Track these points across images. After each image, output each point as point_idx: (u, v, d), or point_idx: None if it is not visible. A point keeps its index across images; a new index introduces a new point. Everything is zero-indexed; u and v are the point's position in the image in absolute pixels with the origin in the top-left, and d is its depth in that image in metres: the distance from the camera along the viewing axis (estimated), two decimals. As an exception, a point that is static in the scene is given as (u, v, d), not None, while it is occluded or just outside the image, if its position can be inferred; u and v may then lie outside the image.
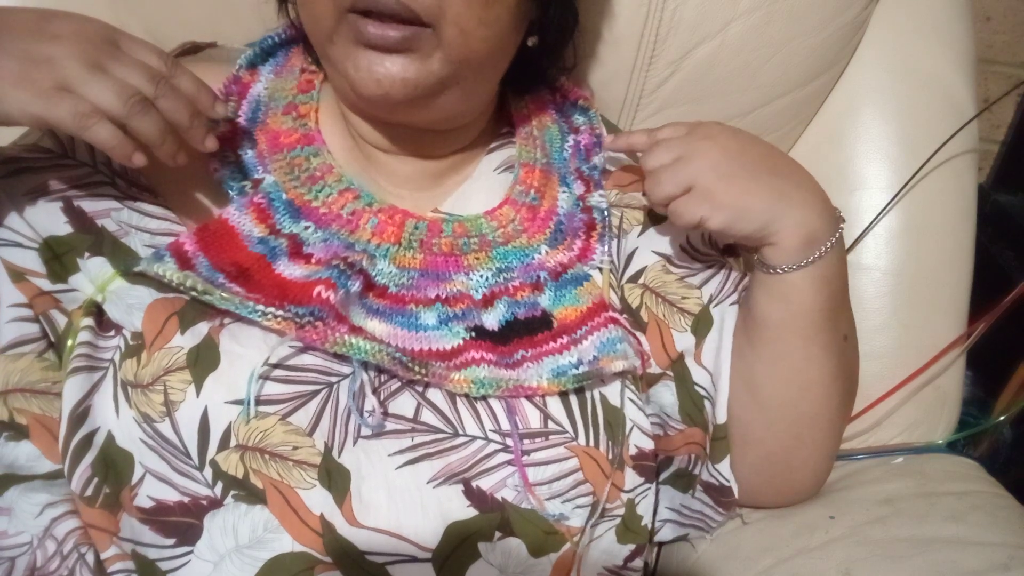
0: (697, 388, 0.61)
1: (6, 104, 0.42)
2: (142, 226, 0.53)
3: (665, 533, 0.61)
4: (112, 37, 0.47)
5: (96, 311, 0.51)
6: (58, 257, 0.51)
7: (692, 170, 0.54)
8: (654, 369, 0.60)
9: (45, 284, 0.51)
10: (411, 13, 0.46)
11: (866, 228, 0.74)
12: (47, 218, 0.51)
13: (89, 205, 0.52)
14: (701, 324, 0.61)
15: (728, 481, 0.62)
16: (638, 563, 0.56)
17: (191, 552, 0.48)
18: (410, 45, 0.47)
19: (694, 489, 0.62)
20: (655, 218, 0.63)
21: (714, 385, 0.61)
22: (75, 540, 0.50)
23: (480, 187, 0.61)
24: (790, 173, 0.56)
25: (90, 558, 0.50)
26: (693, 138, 0.56)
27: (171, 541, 0.48)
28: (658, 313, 0.61)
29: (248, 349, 0.49)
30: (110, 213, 0.52)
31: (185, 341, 0.49)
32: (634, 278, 0.61)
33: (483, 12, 0.49)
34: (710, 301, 0.62)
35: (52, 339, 0.51)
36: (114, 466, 0.48)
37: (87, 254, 0.51)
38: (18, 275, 0.50)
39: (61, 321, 0.51)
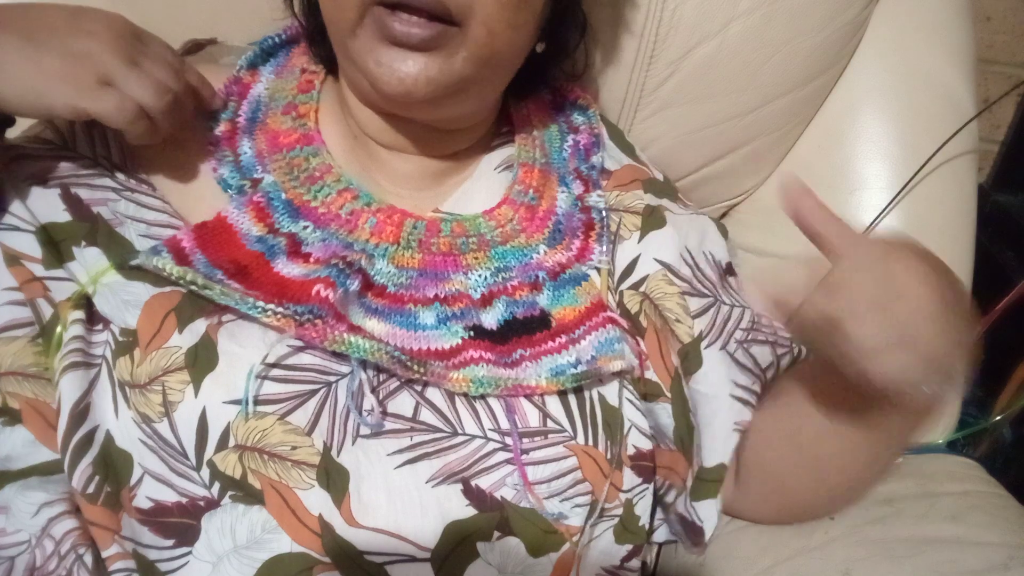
0: (692, 418, 0.59)
1: (50, 98, 0.45)
2: (139, 216, 0.53)
3: (660, 533, 0.61)
4: (135, 32, 0.49)
5: (86, 304, 0.50)
6: (55, 243, 0.51)
7: (906, 320, 0.44)
8: (653, 376, 0.60)
9: (38, 269, 0.50)
10: (442, 9, 0.46)
11: (866, 228, 0.74)
12: (45, 204, 0.51)
13: (86, 193, 0.52)
14: (691, 359, 0.60)
15: (701, 522, 0.60)
16: (635, 563, 0.56)
17: (190, 553, 0.47)
18: (435, 44, 0.47)
19: (667, 513, 0.61)
20: (652, 223, 0.62)
21: (697, 425, 0.60)
22: (72, 541, 0.50)
23: (481, 187, 0.61)
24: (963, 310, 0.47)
25: (88, 559, 0.50)
26: (897, 272, 0.45)
27: (170, 542, 0.48)
28: (656, 323, 0.61)
29: (247, 349, 0.49)
30: (107, 202, 0.52)
31: (183, 341, 0.48)
32: (635, 286, 0.61)
33: (513, 15, 0.49)
34: (700, 337, 0.61)
35: (38, 327, 0.51)
36: (113, 466, 0.48)
37: (83, 243, 0.51)
38: (13, 259, 0.50)
39: (47, 311, 0.51)
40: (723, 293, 0.64)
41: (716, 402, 0.60)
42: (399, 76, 0.48)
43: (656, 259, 0.61)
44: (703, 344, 0.61)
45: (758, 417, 0.61)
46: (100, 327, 0.50)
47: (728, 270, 0.66)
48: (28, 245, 0.50)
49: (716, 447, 0.60)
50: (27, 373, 0.50)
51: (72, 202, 0.51)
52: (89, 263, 0.50)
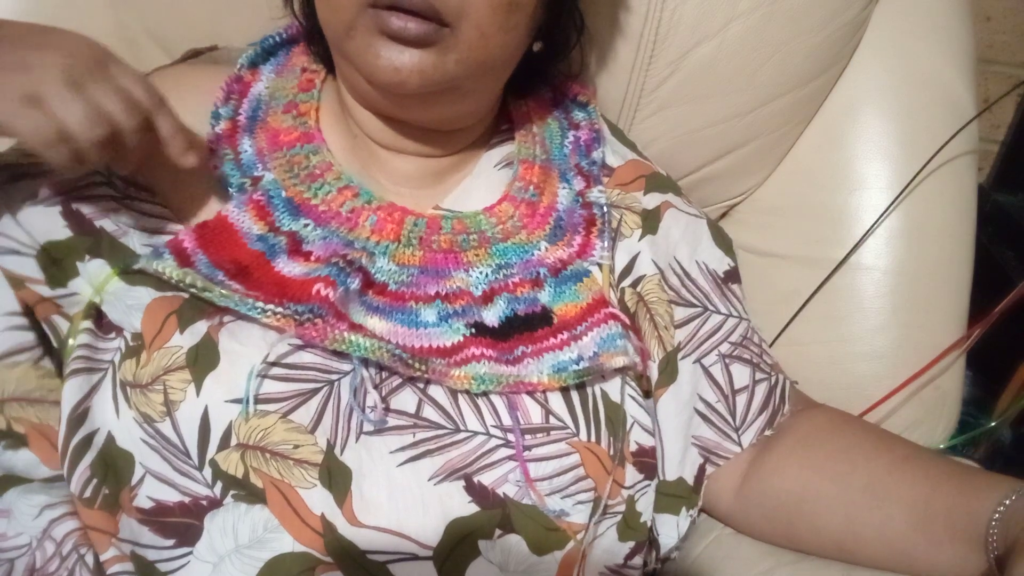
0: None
1: None
2: (140, 225, 0.53)
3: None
4: (104, 60, 0.46)
5: (96, 313, 0.51)
6: (56, 262, 0.51)
7: None
8: (654, 373, 0.60)
9: (45, 290, 0.51)
10: (433, 12, 0.47)
11: (867, 229, 0.74)
12: (46, 222, 0.51)
13: (87, 207, 0.52)
14: (668, 370, 0.61)
15: (658, 535, 0.60)
16: (637, 561, 0.56)
17: (190, 553, 0.47)
18: (430, 40, 0.48)
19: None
20: (650, 225, 0.63)
21: (660, 438, 0.59)
22: (74, 541, 0.50)
23: (481, 184, 0.61)
24: None
25: (89, 559, 0.50)
26: None
27: (170, 542, 0.48)
28: (644, 327, 0.61)
29: (248, 347, 0.49)
30: (108, 214, 0.52)
31: (184, 340, 0.49)
32: (634, 284, 0.61)
33: (504, 18, 0.50)
34: (678, 348, 0.61)
35: (55, 344, 0.52)
36: (114, 467, 0.48)
37: (87, 256, 0.51)
38: (18, 282, 0.51)
39: (64, 326, 0.51)
40: (719, 302, 0.64)
41: (679, 416, 0.60)
42: (395, 66, 0.48)
43: (653, 260, 0.62)
44: (679, 356, 0.61)
45: (845, 488, 0.55)
46: (112, 335, 0.51)
47: (729, 277, 0.66)
48: (30, 268, 0.51)
49: (674, 459, 0.60)
50: (31, 398, 0.51)
51: (73, 218, 0.51)
52: (93, 274, 0.51)
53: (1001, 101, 1.09)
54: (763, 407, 0.62)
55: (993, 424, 0.82)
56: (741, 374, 0.62)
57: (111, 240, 0.52)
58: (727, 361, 0.62)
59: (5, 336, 0.51)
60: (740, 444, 0.61)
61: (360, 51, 0.49)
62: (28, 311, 0.52)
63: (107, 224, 0.52)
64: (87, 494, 0.49)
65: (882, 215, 0.73)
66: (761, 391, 0.63)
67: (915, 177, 0.72)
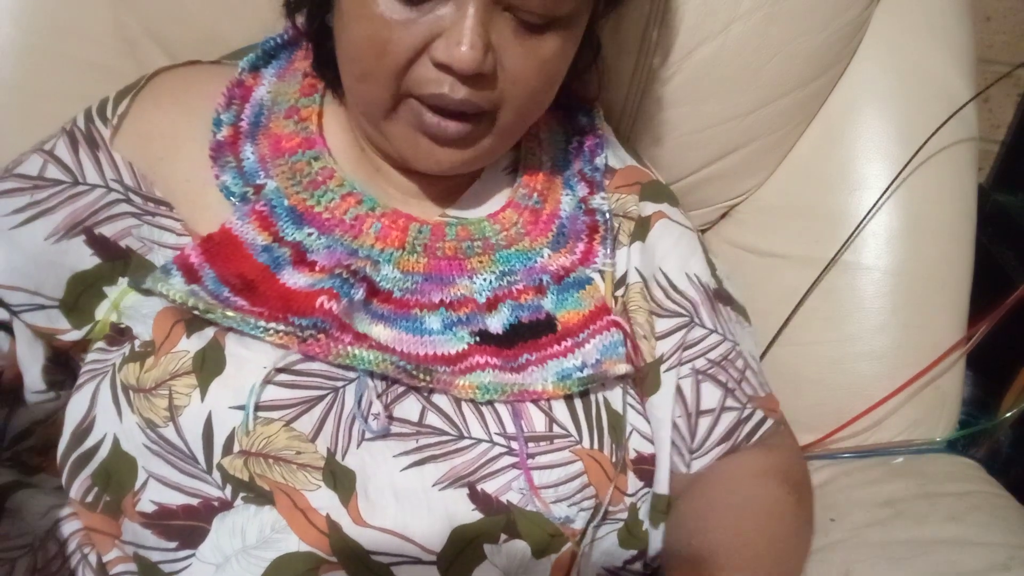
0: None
1: None
2: (162, 241, 0.53)
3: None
4: None
5: (116, 331, 0.52)
6: (77, 299, 0.51)
7: None
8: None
9: (75, 335, 0.52)
10: (475, 107, 0.49)
11: (867, 228, 0.74)
12: (72, 256, 0.51)
13: (110, 229, 0.52)
14: (649, 381, 0.58)
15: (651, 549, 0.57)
16: (638, 565, 0.56)
17: (193, 555, 0.47)
18: (466, 143, 0.50)
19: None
20: (640, 233, 0.62)
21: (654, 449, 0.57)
22: (79, 540, 0.50)
23: (486, 190, 0.61)
24: None
25: (93, 559, 0.50)
26: None
27: (173, 544, 0.48)
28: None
29: (254, 353, 0.49)
30: (131, 231, 0.53)
31: (191, 345, 0.49)
32: (617, 285, 0.61)
33: (542, 97, 0.52)
34: (660, 360, 0.58)
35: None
36: (116, 474, 0.48)
37: (119, 279, 0.52)
38: (48, 336, 0.51)
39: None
40: (706, 316, 0.60)
41: (662, 430, 0.57)
42: (436, 159, 0.51)
43: (636, 268, 0.61)
44: (663, 367, 0.58)
45: None
46: (127, 343, 0.51)
47: (719, 296, 0.63)
48: (56, 319, 0.51)
49: (662, 476, 0.56)
50: None
51: (98, 244, 0.52)
52: (116, 294, 0.52)
53: (1001, 101, 1.09)
54: (723, 439, 0.57)
55: (994, 424, 0.82)
56: (711, 396, 0.58)
57: (138, 259, 0.52)
58: (699, 378, 0.58)
59: (39, 408, 0.53)
60: (688, 467, 0.57)
61: (399, 136, 0.51)
62: (64, 356, 0.54)
63: (132, 243, 0.53)
64: (89, 500, 0.49)
65: (873, 207, 0.72)
66: (726, 420, 0.58)
67: (906, 166, 0.72)
